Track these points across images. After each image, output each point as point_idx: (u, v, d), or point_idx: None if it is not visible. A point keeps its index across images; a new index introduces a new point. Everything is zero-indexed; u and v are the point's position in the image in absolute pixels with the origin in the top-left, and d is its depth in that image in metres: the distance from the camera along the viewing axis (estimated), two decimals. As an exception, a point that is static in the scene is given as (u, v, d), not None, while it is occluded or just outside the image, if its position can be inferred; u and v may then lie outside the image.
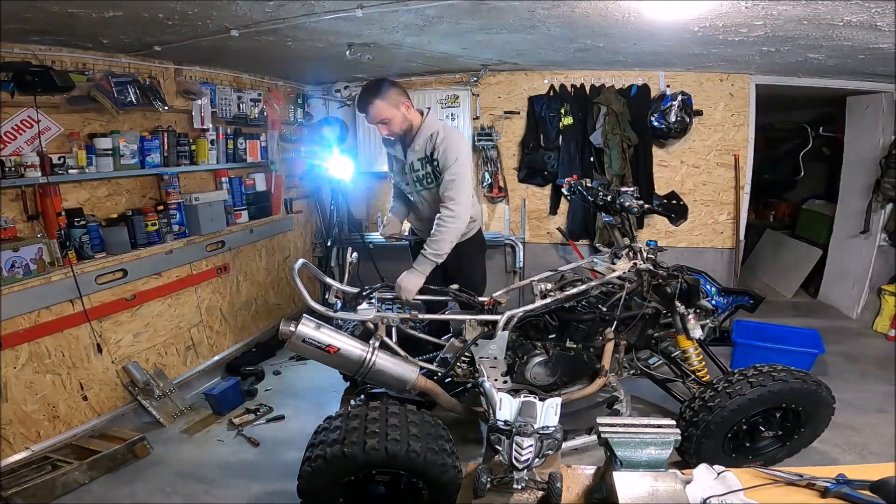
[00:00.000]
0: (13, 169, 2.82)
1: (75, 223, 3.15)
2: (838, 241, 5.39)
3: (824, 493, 1.17)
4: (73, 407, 3.18)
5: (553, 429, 1.08)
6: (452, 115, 4.95)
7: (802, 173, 6.52)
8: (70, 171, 3.07)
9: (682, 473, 1.16)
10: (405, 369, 2.45)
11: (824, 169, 6.38)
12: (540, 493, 1.05)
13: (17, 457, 2.85)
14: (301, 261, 2.51)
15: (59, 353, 3.10)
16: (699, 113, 4.66)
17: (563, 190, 3.54)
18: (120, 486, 2.86)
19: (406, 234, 3.45)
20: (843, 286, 5.27)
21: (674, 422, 1.11)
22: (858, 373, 3.93)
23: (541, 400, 1.14)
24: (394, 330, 2.65)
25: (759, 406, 2.48)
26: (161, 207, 3.70)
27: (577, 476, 1.21)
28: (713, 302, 3.17)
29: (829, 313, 5.25)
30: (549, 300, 2.72)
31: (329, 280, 2.79)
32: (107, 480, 2.90)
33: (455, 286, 2.82)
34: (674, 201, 3.36)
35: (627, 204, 2.95)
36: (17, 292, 2.82)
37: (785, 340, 3.81)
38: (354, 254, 3.04)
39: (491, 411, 1.66)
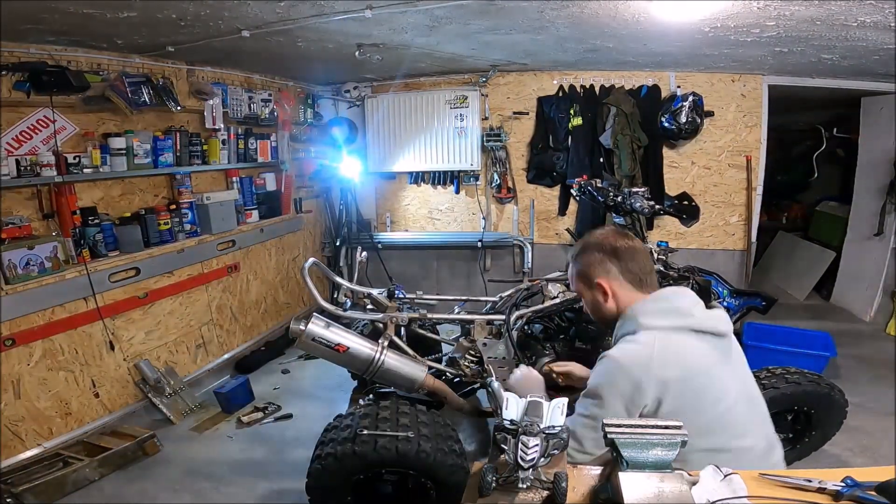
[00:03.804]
0: (29, 168, 2.86)
1: (89, 222, 3.19)
2: (852, 243, 5.32)
3: (836, 496, 1.16)
4: (86, 404, 3.22)
5: (559, 429, 1.07)
6: (461, 115, 4.96)
7: (816, 175, 6.45)
8: (85, 170, 3.11)
9: (689, 475, 1.15)
10: (414, 369, 2.45)
11: (838, 170, 6.31)
12: (545, 493, 1.05)
13: (28, 453, 2.89)
14: (311, 260, 2.53)
15: (73, 351, 3.14)
16: (710, 114, 4.62)
17: (573, 190, 3.54)
18: (130, 483, 2.90)
19: None
20: (856, 289, 5.20)
21: (681, 423, 1.10)
22: (871, 376, 3.88)
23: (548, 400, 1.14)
24: (403, 329, 2.65)
25: (772, 408, 2.42)
26: (173, 206, 3.75)
27: (583, 476, 1.21)
28: (725, 303, 3.15)
29: (842, 316, 5.19)
30: (558, 300, 2.71)
31: (339, 279, 2.81)
32: (117, 477, 2.93)
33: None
34: (685, 202, 3.35)
35: (638, 205, 2.94)
36: (32, 289, 2.86)
37: (797, 343, 3.78)
38: (364, 253, 3.05)
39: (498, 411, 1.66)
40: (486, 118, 5.07)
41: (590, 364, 2.78)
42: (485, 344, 2.63)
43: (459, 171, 5.23)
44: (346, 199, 5.37)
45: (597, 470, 1.22)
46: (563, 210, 5.11)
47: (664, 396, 1.38)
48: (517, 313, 2.64)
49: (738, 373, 1.53)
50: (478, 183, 5.25)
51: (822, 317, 5.16)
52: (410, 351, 2.55)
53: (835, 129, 5.98)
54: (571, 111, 4.80)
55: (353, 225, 5.47)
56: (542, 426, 1.07)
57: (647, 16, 2.78)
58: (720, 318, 1.51)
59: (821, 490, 1.19)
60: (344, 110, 5.43)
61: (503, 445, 1.06)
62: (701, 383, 1.41)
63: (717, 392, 1.42)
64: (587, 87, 4.81)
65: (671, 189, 4.75)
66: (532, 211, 5.19)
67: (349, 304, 2.77)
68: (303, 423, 3.49)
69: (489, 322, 2.76)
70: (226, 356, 4.25)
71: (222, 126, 4.05)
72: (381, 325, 2.58)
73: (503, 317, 2.66)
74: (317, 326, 2.30)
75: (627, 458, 1.05)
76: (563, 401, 1.12)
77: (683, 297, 1.53)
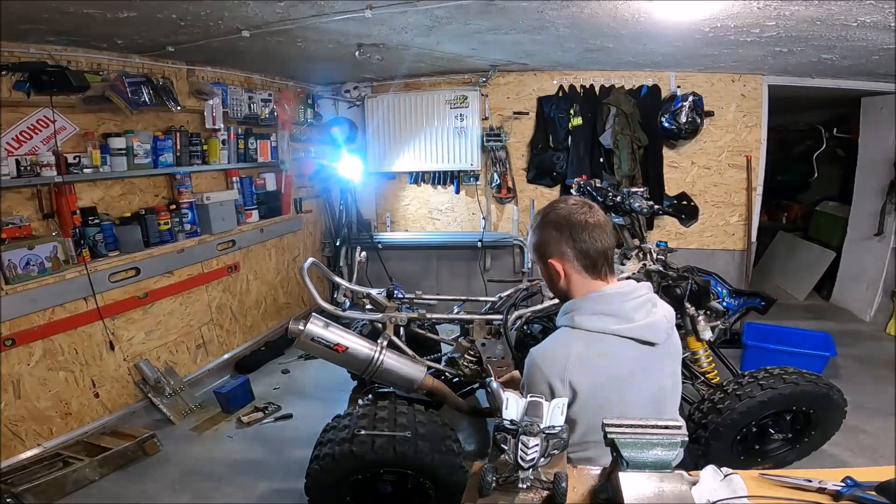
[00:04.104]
0: (29, 168, 2.86)
1: (89, 222, 3.19)
2: (852, 243, 5.32)
3: (836, 496, 1.17)
4: (86, 404, 3.22)
5: (559, 428, 1.07)
6: (461, 115, 4.96)
7: (816, 175, 6.45)
8: (85, 170, 3.11)
9: (689, 475, 1.15)
10: (413, 369, 2.45)
11: (838, 170, 6.31)
12: (545, 493, 1.05)
13: (28, 453, 2.89)
14: (311, 260, 2.54)
15: (73, 351, 3.14)
16: (710, 114, 4.62)
17: (573, 190, 3.53)
18: (130, 483, 2.90)
19: None
20: (856, 289, 5.20)
21: (682, 423, 1.10)
22: (871, 376, 3.88)
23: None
24: (402, 329, 2.65)
25: (770, 408, 2.46)
26: (173, 206, 3.75)
27: (583, 476, 1.21)
28: (724, 303, 3.15)
29: (842, 316, 5.19)
30: (557, 301, 2.71)
31: (338, 279, 2.81)
32: (117, 477, 2.94)
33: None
34: (684, 202, 3.35)
35: (637, 205, 2.94)
36: (32, 290, 2.86)
37: (796, 343, 3.77)
38: (363, 253, 3.05)
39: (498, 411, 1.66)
40: (486, 118, 5.07)
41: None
42: (483, 344, 2.63)
43: (459, 171, 5.23)
44: (346, 199, 5.37)
45: (597, 470, 1.22)
46: (563, 210, 5.10)
47: (574, 399, 1.37)
48: (516, 313, 2.64)
49: (654, 382, 1.46)
50: (478, 183, 5.25)
51: (822, 317, 5.16)
52: (409, 351, 2.55)
53: (835, 129, 5.97)
54: (571, 111, 4.80)
55: (353, 225, 5.47)
56: (542, 426, 1.07)
57: (647, 16, 2.78)
58: (657, 328, 1.42)
59: (821, 490, 1.19)
60: (344, 110, 5.43)
61: (503, 445, 1.06)
62: (610, 392, 1.39)
63: (623, 404, 1.39)
64: (587, 87, 4.81)
65: (671, 189, 4.75)
66: (532, 211, 5.18)
67: (348, 304, 2.77)
68: (303, 423, 3.49)
69: (488, 322, 2.77)
70: (226, 356, 4.25)
71: (222, 126, 4.05)
72: (379, 325, 2.58)
73: (501, 317, 2.66)
74: (315, 326, 2.30)
75: (627, 458, 1.05)
76: (563, 401, 1.12)
77: (628, 300, 1.42)
